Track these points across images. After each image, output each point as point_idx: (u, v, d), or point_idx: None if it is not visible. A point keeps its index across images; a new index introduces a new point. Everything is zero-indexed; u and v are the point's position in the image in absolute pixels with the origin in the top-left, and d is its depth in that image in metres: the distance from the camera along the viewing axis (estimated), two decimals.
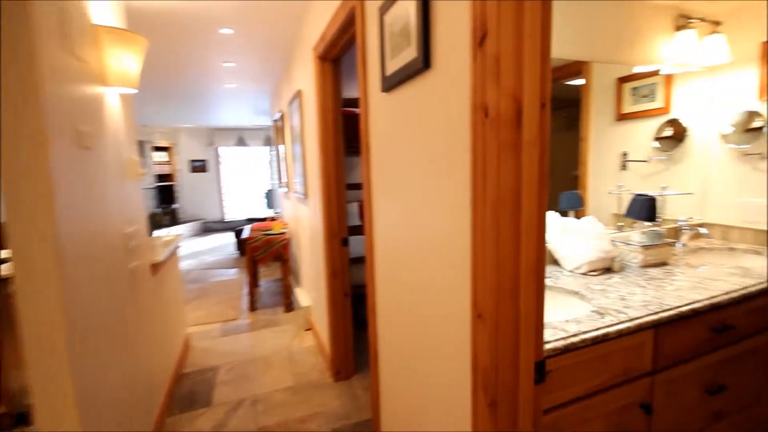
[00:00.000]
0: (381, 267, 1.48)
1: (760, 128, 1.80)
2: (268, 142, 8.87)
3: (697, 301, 1.21)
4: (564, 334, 1.01)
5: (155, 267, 2.16)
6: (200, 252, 6.69)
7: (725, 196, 1.98)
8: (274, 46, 3.05)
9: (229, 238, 7.69)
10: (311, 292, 3.16)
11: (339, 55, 2.08)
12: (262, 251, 3.57)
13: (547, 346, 0.96)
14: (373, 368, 1.68)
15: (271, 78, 4.11)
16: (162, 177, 8.07)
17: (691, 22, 1.80)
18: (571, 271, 1.55)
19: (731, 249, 1.85)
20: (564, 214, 1.81)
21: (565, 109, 1.82)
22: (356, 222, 3.63)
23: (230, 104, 5.77)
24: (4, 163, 1.00)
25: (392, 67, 1.13)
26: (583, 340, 1.01)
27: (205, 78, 4.01)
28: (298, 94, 2.81)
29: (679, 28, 1.83)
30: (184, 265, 5.73)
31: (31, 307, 1.05)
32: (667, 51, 1.85)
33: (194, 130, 8.49)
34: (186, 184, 8.53)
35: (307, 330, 3.18)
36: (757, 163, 1.84)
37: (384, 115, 1.30)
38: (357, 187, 3.66)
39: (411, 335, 1.25)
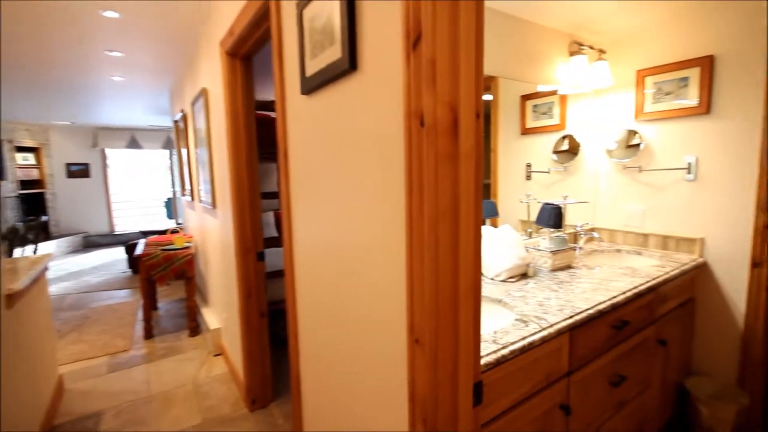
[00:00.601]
0: (303, 285, 1.35)
1: (637, 145, 2.08)
2: (168, 144, 7.97)
3: (602, 303, 1.32)
4: (495, 347, 1.01)
5: (11, 297, 1.72)
6: (81, 272, 5.69)
7: (611, 203, 2.26)
8: (172, 36, 2.71)
9: (119, 254, 6.70)
10: (222, 312, 2.85)
11: (251, 52, 1.90)
12: (161, 269, 3.13)
13: (480, 361, 0.94)
14: (295, 395, 1.53)
15: (171, 73, 3.67)
16: (28, 183, 6.72)
17: (582, 49, 2.01)
18: (492, 279, 1.59)
19: (618, 250, 2.10)
20: (482, 222, 1.87)
21: None
22: (273, 233, 3.40)
23: (119, 100, 5.03)
24: None
25: (313, 67, 1.03)
26: (512, 351, 1.02)
27: (85, 68, 3.42)
28: (203, 93, 2.52)
29: (572, 53, 2.04)
30: (57, 289, 4.81)
31: None
32: (562, 73, 2.04)
33: (72, 129, 7.25)
34: (61, 192, 7.22)
35: (217, 355, 2.86)
36: (636, 174, 2.12)
37: (305, 120, 1.18)
38: (274, 195, 3.43)
39: (339, 359, 1.15)
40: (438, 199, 0.68)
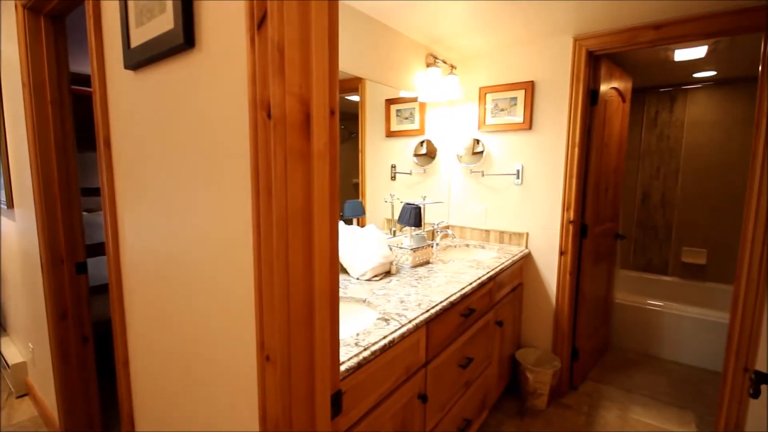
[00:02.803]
0: (135, 300, 1.12)
1: (481, 152, 2.37)
2: None
3: (453, 294, 1.44)
4: (357, 350, 0.99)
5: None
6: None
7: (461, 203, 2.53)
8: None
9: None
10: (27, 341, 2.22)
11: (63, 9, 1.50)
12: None
13: (342, 367, 0.92)
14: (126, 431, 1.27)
15: None
16: None
17: (437, 62, 2.19)
18: (357, 278, 1.60)
19: (467, 245, 2.36)
20: (348, 222, 1.87)
21: (344, 122, 1.90)
22: None
23: None
24: None
25: (140, 37, 0.85)
26: (374, 352, 1.02)
27: None
28: None
29: (429, 65, 2.21)
30: None
31: None
32: (420, 82, 2.19)
33: None
34: None
35: (21, 397, 2.22)
36: (480, 178, 2.42)
37: (132, 102, 0.97)
38: None
39: (182, 384, 0.98)
40: (288, 201, 0.61)
